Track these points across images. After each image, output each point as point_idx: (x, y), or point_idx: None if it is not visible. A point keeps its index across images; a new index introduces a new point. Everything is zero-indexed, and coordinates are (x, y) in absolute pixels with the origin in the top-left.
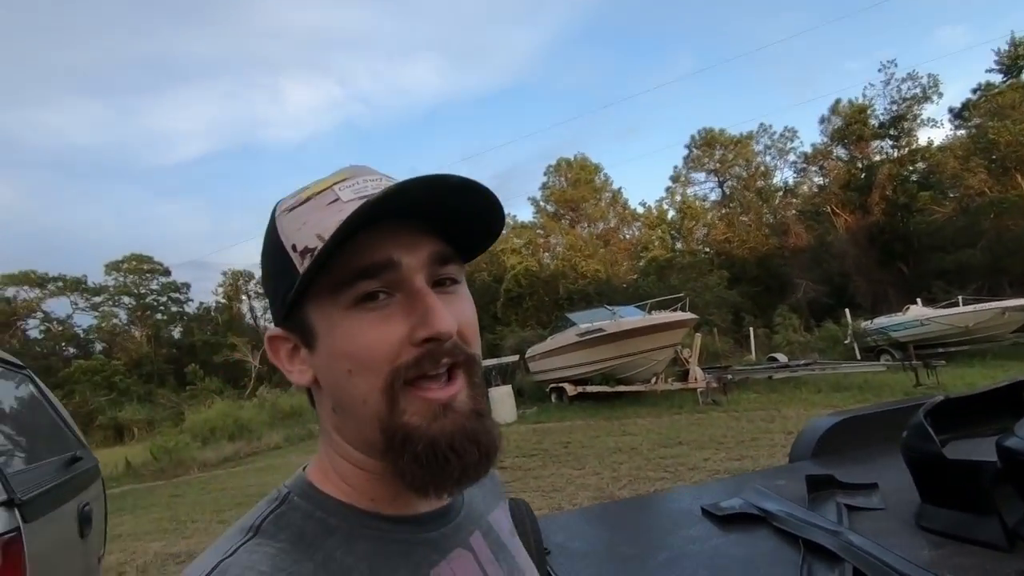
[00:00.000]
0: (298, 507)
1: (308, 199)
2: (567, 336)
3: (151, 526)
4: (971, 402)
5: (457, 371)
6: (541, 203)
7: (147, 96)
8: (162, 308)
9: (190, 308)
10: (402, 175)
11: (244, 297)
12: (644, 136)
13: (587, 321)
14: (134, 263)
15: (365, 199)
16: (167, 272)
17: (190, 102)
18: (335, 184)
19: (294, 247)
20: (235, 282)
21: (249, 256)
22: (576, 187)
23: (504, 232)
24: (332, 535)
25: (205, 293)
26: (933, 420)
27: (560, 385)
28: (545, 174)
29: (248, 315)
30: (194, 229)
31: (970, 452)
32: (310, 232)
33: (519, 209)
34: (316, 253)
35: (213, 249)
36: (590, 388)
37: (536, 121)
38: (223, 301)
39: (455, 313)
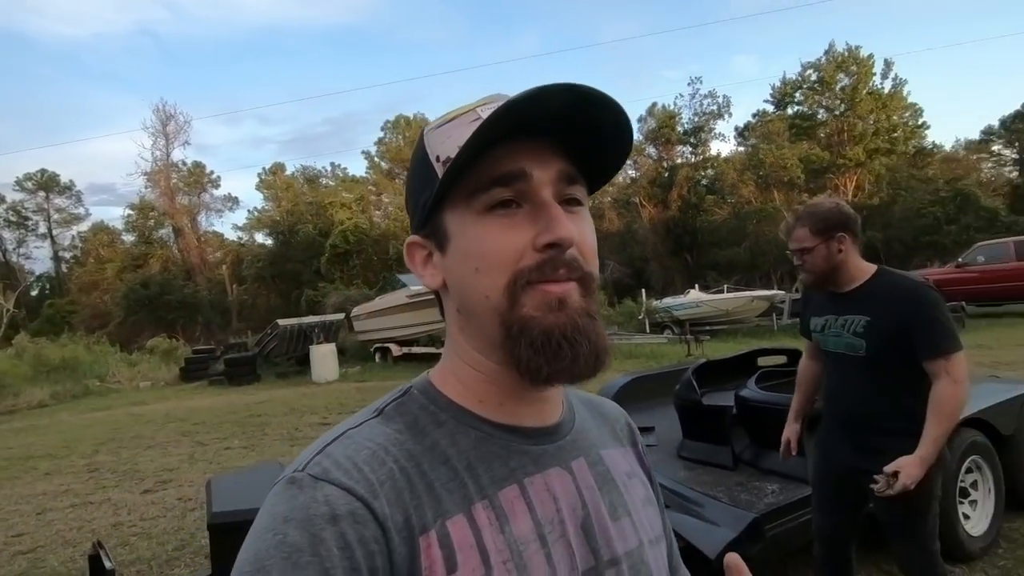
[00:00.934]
0: (416, 399)
1: (453, 119)
2: (397, 297)
3: None
4: (724, 364)
5: (572, 281)
6: (376, 159)
7: None
8: None
9: None
10: (214, 109)
11: None
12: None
13: (418, 283)
14: None
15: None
16: None
17: None
18: (478, 107)
19: (437, 158)
20: None
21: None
22: (413, 147)
23: (333, 184)
24: (440, 427)
25: None
26: (698, 377)
27: (386, 345)
28: (383, 129)
29: None
30: None
31: (719, 400)
32: (452, 144)
33: (352, 162)
34: (455, 157)
35: None
36: (416, 349)
37: (377, 71)
38: None
39: (577, 229)
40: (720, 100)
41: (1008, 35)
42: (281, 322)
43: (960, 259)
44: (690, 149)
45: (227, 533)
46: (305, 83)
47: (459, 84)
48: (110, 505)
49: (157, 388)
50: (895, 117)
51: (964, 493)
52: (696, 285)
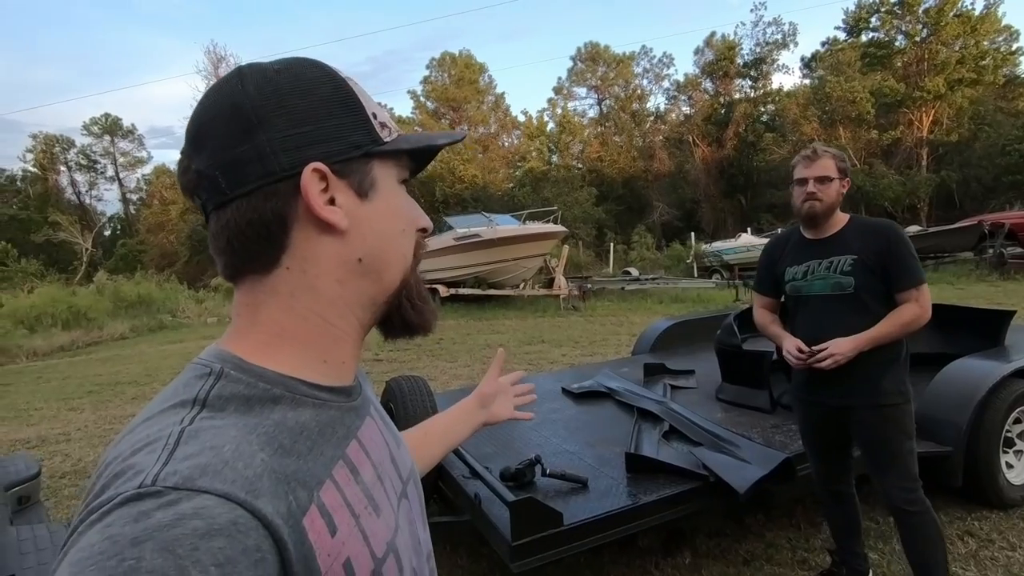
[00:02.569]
0: (237, 379)
1: (349, 79)
2: (443, 239)
3: None
4: None
5: None
6: (422, 99)
7: None
8: None
9: None
10: (259, 50)
11: (63, 168)
12: (531, 42)
13: (464, 226)
14: None
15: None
16: None
17: None
18: (349, 78)
19: (374, 115)
20: (50, 149)
21: (65, 118)
22: (459, 86)
23: None
24: (277, 403)
25: (6, 159)
26: (739, 322)
27: (433, 286)
28: (428, 67)
29: (69, 189)
30: None
31: (758, 345)
32: (380, 112)
33: (398, 101)
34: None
35: (15, 105)
36: (462, 291)
37: (415, 7)
38: (34, 170)
39: None
40: (786, 28)
41: None
42: None
43: None
44: (749, 83)
45: None
46: (345, 22)
47: (500, 17)
48: None
49: (223, 323)
50: (985, 42)
51: (1009, 443)
52: (748, 228)
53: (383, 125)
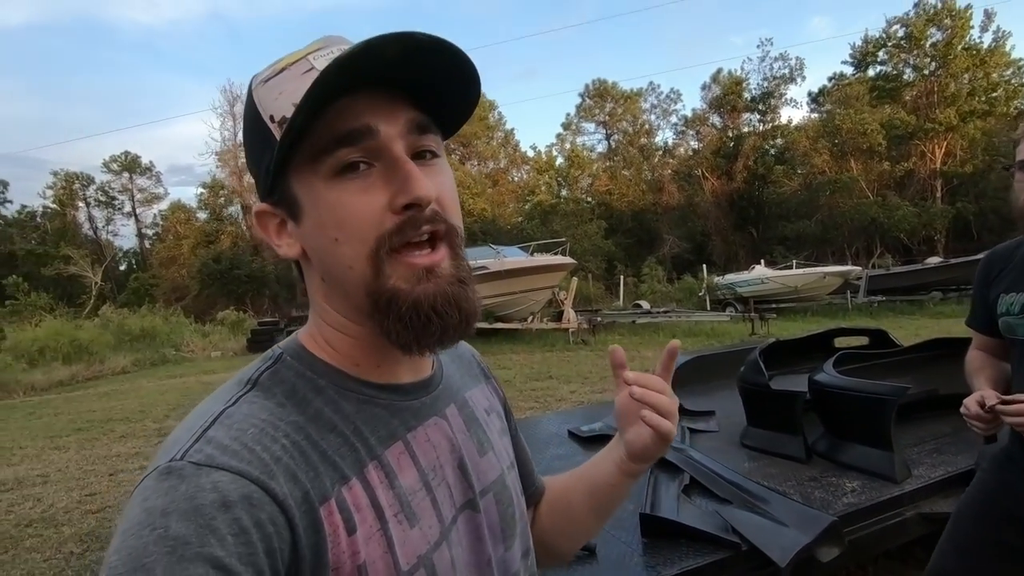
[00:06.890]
0: (290, 366)
1: (283, 69)
2: None
3: None
4: (795, 345)
5: (440, 241)
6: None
7: None
8: None
9: (7, 211)
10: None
11: (81, 204)
12: (539, 80)
13: (472, 259)
14: None
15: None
16: None
17: None
18: (309, 54)
19: (271, 118)
20: (70, 186)
21: (87, 156)
22: (469, 122)
23: None
24: (320, 394)
25: (28, 195)
26: (766, 358)
27: None
28: None
29: (87, 225)
30: (12, 116)
31: (789, 385)
32: (286, 101)
33: None
34: (291, 119)
35: (40, 143)
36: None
37: None
38: (54, 206)
39: (434, 183)
40: (792, 63)
41: None
42: None
43: None
44: (758, 117)
45: None
46: None
47: (511, 55)
48: None
49: (226, 358)
50: (995, 75)
51: None
52: (762, 260)
53: (283, 120)
